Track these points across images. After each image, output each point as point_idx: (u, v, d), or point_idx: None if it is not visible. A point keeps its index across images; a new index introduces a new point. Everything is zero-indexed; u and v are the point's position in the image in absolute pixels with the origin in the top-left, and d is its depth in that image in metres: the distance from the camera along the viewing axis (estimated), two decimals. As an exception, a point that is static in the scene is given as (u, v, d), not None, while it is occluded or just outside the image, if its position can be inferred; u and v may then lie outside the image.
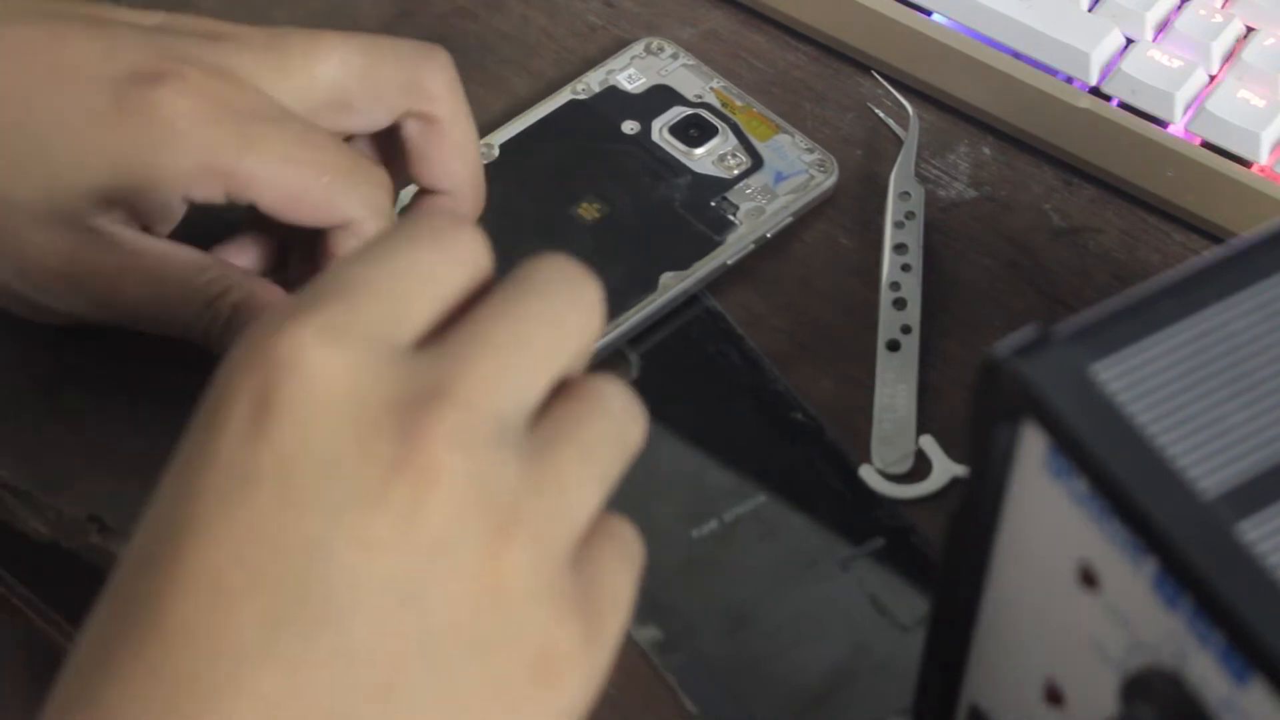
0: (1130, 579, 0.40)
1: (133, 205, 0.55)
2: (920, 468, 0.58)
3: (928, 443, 0.59)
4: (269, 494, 0.38)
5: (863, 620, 0.56)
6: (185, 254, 0.57)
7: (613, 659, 0.42)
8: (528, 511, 0.40)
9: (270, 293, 0.57)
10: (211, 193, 0.55)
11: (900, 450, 0.58)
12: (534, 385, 0.41)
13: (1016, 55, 0.67)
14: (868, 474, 0.58)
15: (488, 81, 0.68)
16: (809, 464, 0.59)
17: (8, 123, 0.55)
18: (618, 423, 0.43)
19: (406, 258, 0.42)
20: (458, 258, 0.43)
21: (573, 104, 0.67)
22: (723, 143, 0.66)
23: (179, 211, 0.57)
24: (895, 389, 0.60)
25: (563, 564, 0.40)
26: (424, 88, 0.58)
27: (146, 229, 0.56)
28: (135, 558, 0.40)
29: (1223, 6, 0.67)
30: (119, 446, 0.59)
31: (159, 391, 0.60)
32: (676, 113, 0.66)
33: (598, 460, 0.42)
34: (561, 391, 0.42)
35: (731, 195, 0.64)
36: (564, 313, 0.43)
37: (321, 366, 0.39)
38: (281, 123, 0.56)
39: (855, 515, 0.58)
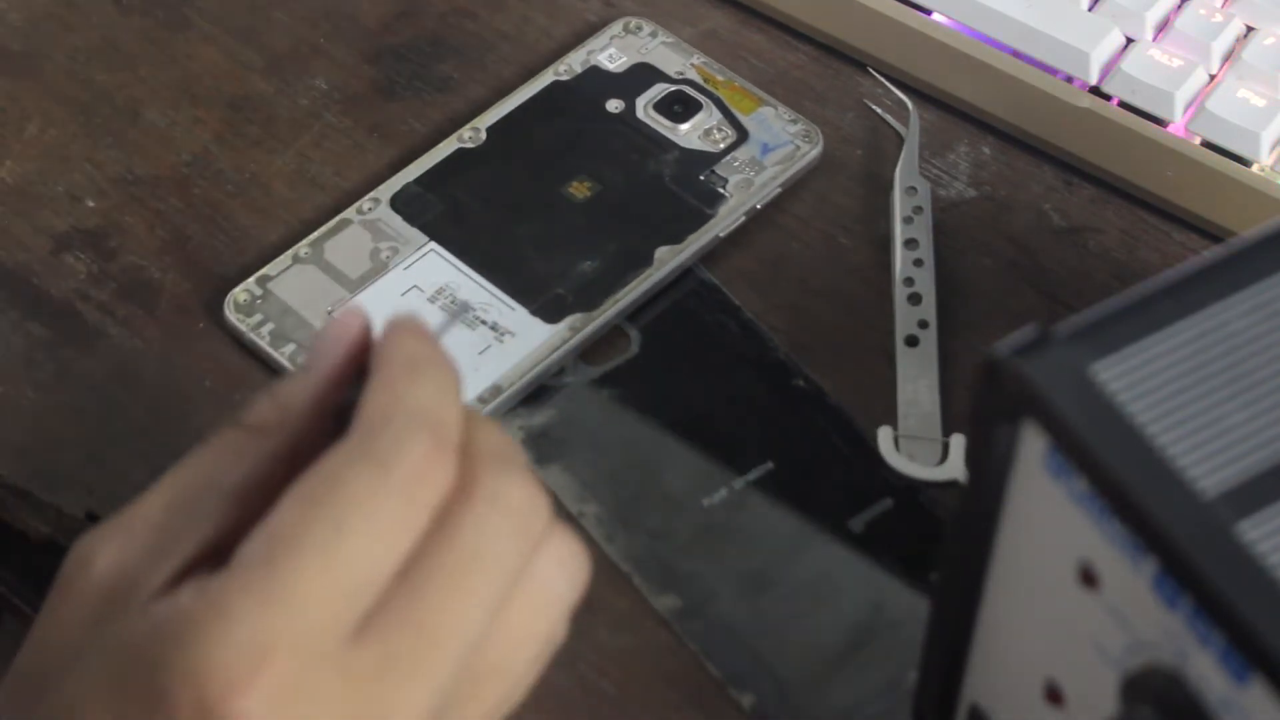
0: (1130, 579, 0.40)
1: None
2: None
3: (957, 441, 0.59)
4: None
5: (877, 579, 0.56)
6: None
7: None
8: None
9: None
10: None
11: (928, 447, 0.59)
12: (470, 655, 0.42)
13: (1016, 55, 0.67)
14: (885, 444, 0.59)
15: (488, 81, 0.68)
16: (813, 429, 0.59)
17: None
18: (558, 619, 0.44)
19: (364, 547, 0.40)
20: (429, 501, 0.41)
21: (556, 85, 0.67)
22: (707, 117, 0.66)
23: None
24: (917, 385, 0.60)
25: None
26: None
27: None
28: None
29: (1223, 6, 0.67)
30: (119, 446, 0.59)
31: (159, 391, 0.60)
32: (659, 90, 0.67)
33: (532, 672, 0.44)
34: (508, 605, 0.42)
35: (719, 169, 0.65)
36: (507, 567, 0.42)
37: None
38: None
39: (862, 477, 0.58)
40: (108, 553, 0.42)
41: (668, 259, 0.62)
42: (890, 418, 0.59)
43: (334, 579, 0.40)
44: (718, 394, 0.60)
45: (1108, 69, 0.66)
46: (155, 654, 0.39)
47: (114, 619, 0.41)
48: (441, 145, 0.65)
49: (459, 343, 0.60)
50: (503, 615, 0.42)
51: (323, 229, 0.63)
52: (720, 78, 0.67)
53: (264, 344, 0.60)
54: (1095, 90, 0.66)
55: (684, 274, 0.63)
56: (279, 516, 0.40)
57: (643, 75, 0.67)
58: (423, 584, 0.41)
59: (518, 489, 0.42)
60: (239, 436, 0.43)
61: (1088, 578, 0.42)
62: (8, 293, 0.63)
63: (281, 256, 0.62)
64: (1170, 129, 0.65)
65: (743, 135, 0.66)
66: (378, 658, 0.40)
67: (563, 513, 0.58)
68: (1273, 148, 0.64)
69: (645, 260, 0.62)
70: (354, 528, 0.40)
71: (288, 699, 0.39)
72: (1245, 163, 0.64)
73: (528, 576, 0.42)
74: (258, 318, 0.61)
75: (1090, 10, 0.67)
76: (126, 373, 0.61)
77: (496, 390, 0.59)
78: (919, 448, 0.59)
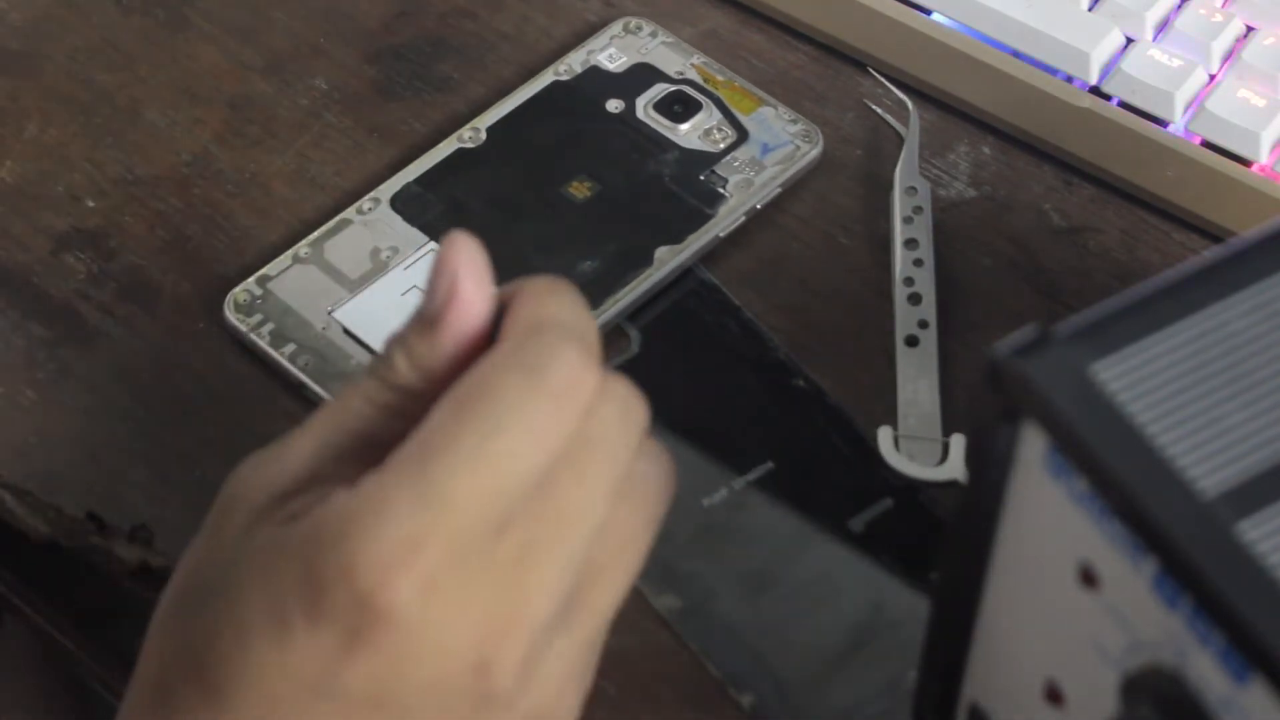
0: (1130, 579, 0.40)
1: None
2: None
3: (957, 441, 0.59)
4: (358, 707, 0.42)
5: (877, 579, 0.56)
6: None
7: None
8: (570, 658, 0.44)
9: None
10: None
11: (928, 447, 0.59)
12: (591, 545, 0.44)
13: (1016, 55, 0.67)
14: (885, 444, 0.59)
15: (488, 81, 0.68)
16: (813, 429, 0.59)
17: None
18: (656, 516, 0.46)
19: (522, 456, 0.42)
20: (579, 412, 0.43)
21: (556, 85, 0.67)
22: (707, 117, 0.66)
23: None
24: (917, 385, 0.60)
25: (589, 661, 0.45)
26: None
27: None
28: None
29: (1223, 6, 0.67)
30: (119, 446, 0.59)
31: (159, 391, 0.60)
32: (659, 90, 0.67)
33: (636, 569, 0.45)
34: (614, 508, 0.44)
35: (719, 169, 0.65)
36: (624, 465, 0.44)
37: (414, 617, 0.41)
38: None
39: (862, 477, 0.58)
40: (262, 479, 0.44)
41: (668, 259, 0.62)
42: (890, 418, 0.59)
43: (485, 479, 0.41)
44: (718, 394, 0.60)
45: (1108, 69, 0.66)
46: (312, 549, 0.41)
47: (268, 529, 0.42)
48: (441, 145, 0.65)
49: None
50: (615, 507, 0.44)
51: (323, 229, 0.63)
52: (720, 78, 0.67)
53: (264, 344, 0.60)
54: (1095, 90, 0.66)
55: (684, 274, 0.63)
56: (433, 420, 0.42)
57: (643, 75, 0.67)
58: (556, 475, 0.43)
59: (624, 386, 0.44)
60: (383, 392, 0.44)
61: (1088, 578, 0.42)
62: (8, 293, 0.63)
63: (281, 256, 0.62)
64: (1170, 129, 0.65)
65: (743, 135, 0.66)
66: (518, 546, 0.42)
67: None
68: (1273, 148, 0.64)
69: (645, 260, 0.62)
70: (507, 431, 0.42)
71: (437, 590, 0.41)
72: (1245, 163, 0.64)
73: (631, 472, 0.44)
74: (258, 318, 0.61)
75: (1090, 10, 0.67)
76: (126, 373, 0.61)
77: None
78: (919, 448, 0.59)
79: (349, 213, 0.64)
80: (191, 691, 0.42)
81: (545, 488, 0.42)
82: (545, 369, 0.42)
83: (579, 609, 0.44)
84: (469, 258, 0.44)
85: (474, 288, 0.44)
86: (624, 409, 0.44)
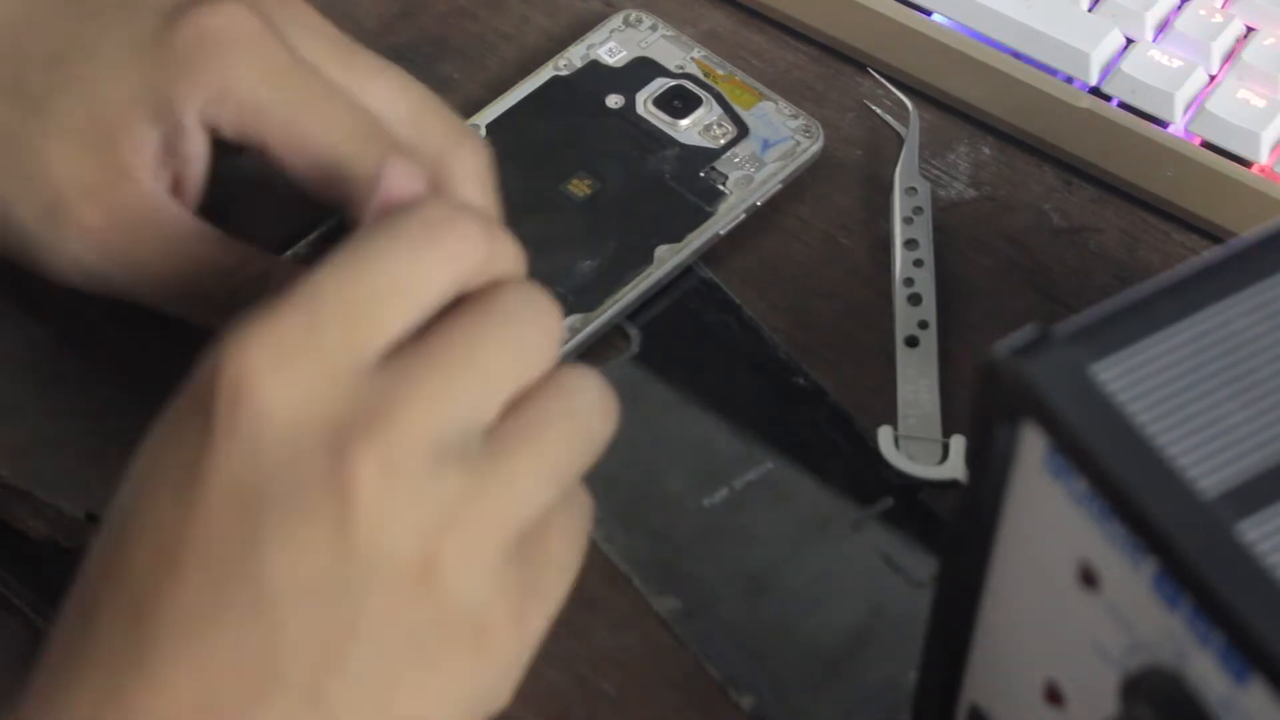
0: (1130, 579, 0.40)
1: (164, 138, 0.56)
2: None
3: (957, 441, 0.59)
4: (215, 499, 0.44)
5: (878, 580, 0.56)
6: (212, 231, 0.57)
7: (552, 617, 0.47)
8: (465, 518, 0.44)
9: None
10: (227, 122, 0.56)
11: (928, 447, 0.59)
12: (483, 405, 0.45)
13: (1016, 55, 0.67)
14: (885, 444, 0.59)
15: (488, 81, 0.68)
16: (814, 428, 0.59)
17: (62, 44, 0.56)
18: (581, 421, 0.46)
19: (387, 266, 0.45)
20: (450, 255, 0.46)
21: (555, 80, 0.67)
22: (707, 113, 0.66)
23: (201, 166, 0.57)
24: (917, 384, 0.60)
25: (499, 559, 0.45)
26: (446, 167, 0.56)
27: (177, 195, 0.57)
28: (96, 551, 0.45)
29: (1223, 6, 0.67)
30: (119, 446, 0.59)
31: (160, 391, 0.60)
32: (659, 84, 0.67)
33: (553, 461, 0.46)
34: (530, 392, 0.46)
35: (720, 165, 0.64)
36: (522, 336, 0.46)
37: (266, 392, 0.43)
38: (312, 75, 0.56)
39: (863, 476, 0.58)
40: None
41: (668, 258, 0.62)
42: (890, 418, 0.59)
43: (350, 282, 0.44)
44: (718, 394, 0.60)
45: (1108, 69, 0.66)
46: (204, 357, 0.45)
47: None
48: (442, 145, 0.65)
49: None
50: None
51: (324, 227, 0.63)
52: (720, 72, 0.67)
53: (264, 344, 0.60)
54: (1095, 90, 0.66)
55: (684, 273, 0.63)
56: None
57: (643, 70, 0.67)
58: (450, 327, 0.45)
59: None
60: None
61: (1088, 578, 0.42)
62: (8, 292, 0.63)
63: (282, 257, 0.62)
64: (1170, 129, 0.65)
65: (743, 131, 0.65)
66: (395, 373, 0.44)
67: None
68: (1273, 148, 0.64)
69: (645, 259, 0.62)
70: (373, 243, 0.45)
71: (291, 374, 0.43)
72: (1245, 163, 0.64)
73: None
74: (258, 318, 0.61)
75: (1090, 10, 0.67)
76: (126, 373, 0.61)
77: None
78: (919, 448, 0.59)
79: (349, 213, 0.64)
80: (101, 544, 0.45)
81: (443, 337, 0.45)
82: (418, 210, 0.46)
83: (495, 462, 0.45)
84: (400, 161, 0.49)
85: (400, 166, 0.48)
86: (531, 306, 0.47)
